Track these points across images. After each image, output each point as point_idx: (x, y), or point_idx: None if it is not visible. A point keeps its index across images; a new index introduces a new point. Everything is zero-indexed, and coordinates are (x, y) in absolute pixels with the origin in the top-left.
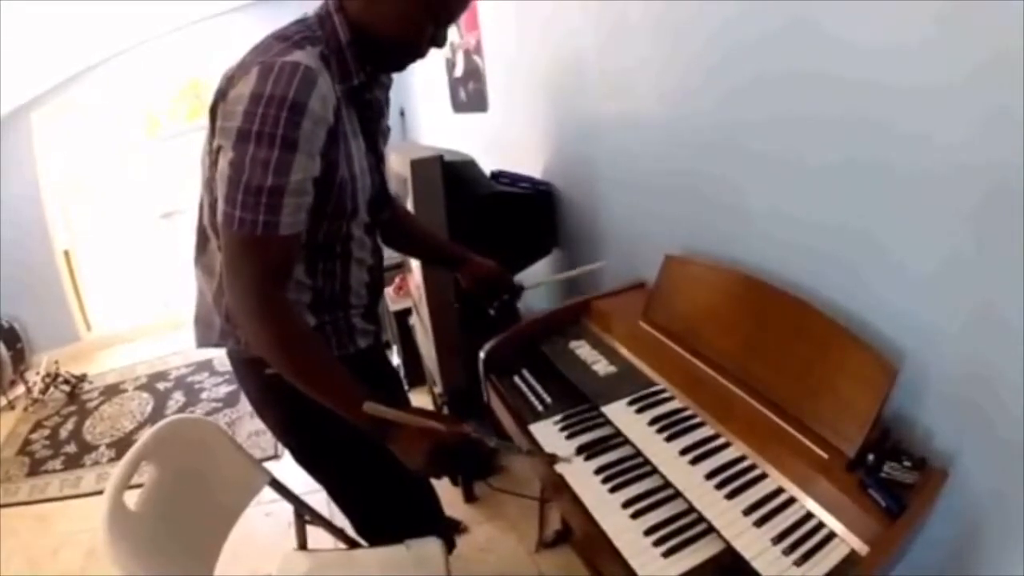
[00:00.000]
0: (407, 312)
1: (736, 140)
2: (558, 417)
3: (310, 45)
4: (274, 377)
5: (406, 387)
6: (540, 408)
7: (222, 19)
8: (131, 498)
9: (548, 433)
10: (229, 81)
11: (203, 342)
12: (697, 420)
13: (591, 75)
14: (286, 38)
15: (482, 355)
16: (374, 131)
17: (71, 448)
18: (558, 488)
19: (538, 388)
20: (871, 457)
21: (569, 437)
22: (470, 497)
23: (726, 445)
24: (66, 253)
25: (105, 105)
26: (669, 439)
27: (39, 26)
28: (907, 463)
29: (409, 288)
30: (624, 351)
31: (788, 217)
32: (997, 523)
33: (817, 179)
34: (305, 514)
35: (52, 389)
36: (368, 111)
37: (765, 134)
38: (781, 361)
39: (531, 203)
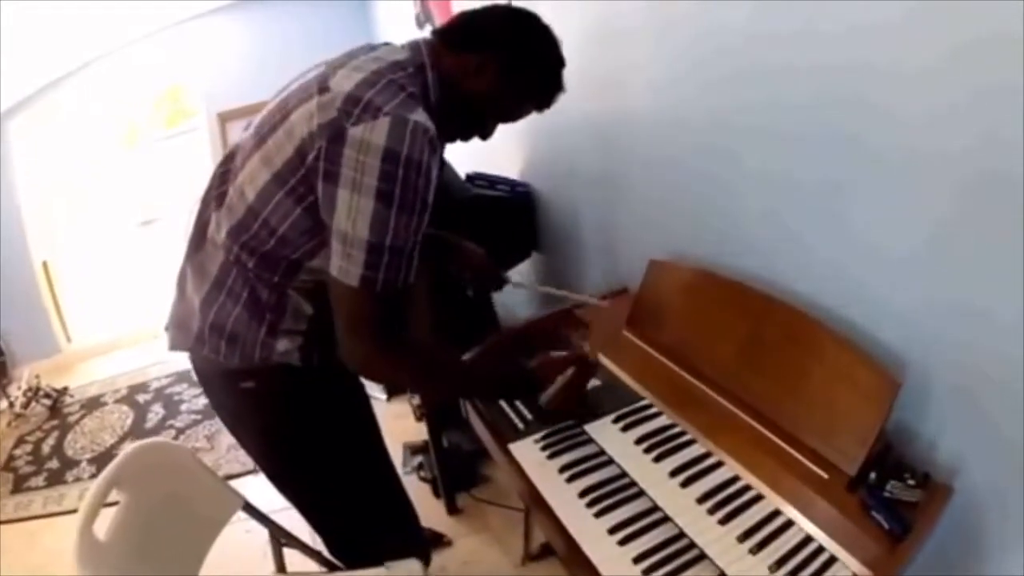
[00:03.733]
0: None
1: (725, 139)
2: (539, 435)
3: (415, 102)
4: (250, 392)
5: (384, 396)
6: (520, 426)
7: (201, 22)
8: (104, 522)
9: (528, 453)
10: (340, 115)
11: (176, 345)
12: (687, 438)
13: (571, 72)
14: (393, 81)
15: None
16: None
17: (54, 464)
18: (540, 512)
19: (519, 405)
20: (873, 475)
21: (551, 457)
22: (452, 509)
23: (718, 465)
24: (45, 264)
25: (82, 113)
26: (658, 459)
27: (13, 34)
28: (911, 481)
29: None
30: (608, 362)
31: (780, 221)
32: (998, 528)
33: (811, 182)
34: (281, 537)
35: (34, 403)
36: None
37: (757, 133)
38: (775, 373)
39: (509, 206)
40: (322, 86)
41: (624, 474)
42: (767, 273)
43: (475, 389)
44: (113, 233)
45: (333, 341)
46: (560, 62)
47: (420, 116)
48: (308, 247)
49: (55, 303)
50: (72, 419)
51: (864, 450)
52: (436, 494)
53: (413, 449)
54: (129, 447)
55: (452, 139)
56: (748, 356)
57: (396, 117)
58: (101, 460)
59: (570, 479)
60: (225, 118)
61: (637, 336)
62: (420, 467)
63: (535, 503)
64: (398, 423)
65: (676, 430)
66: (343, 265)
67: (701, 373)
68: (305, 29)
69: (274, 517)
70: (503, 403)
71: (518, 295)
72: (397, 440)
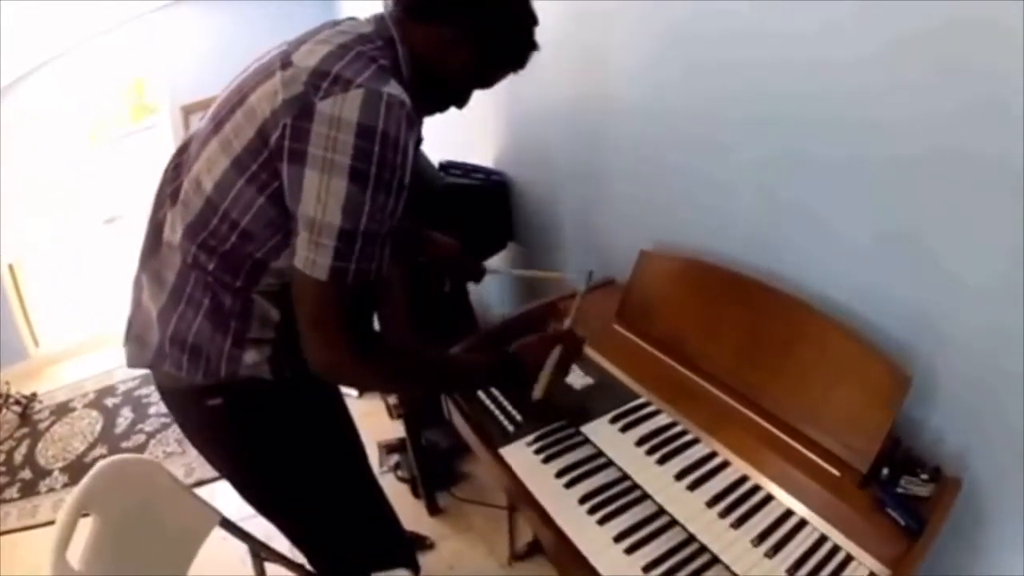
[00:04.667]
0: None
1: (717, 118)
2: (531, 438)
3: (388, 74)
4: (218, 410)
5: (355, 393)
6: (510, 428)
7: (164, 14)
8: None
9: (521, 458)
10: (307, 89)
11: (135, 361)
12: (689, 437)
13: (547, 53)
14: (363, 54)
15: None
16: None
17: (26, 474)
18: (538, 519)
19: (506, 403)
20: (886, 471)
21: (546, 461)
22: (434, 509)
23: (724, 465)
24: (10, 267)
25: (44, 111)
26: (661, 461)
27: None
28: (924, 476)
29: None
30: (599, 358)
31: (779, 206)
32: (998, 521)
33: (813, 163)
34: (261, 551)
35: (4, 411)
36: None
37: (752, 112)
38: (778, 367)
39: (484, 194)
40: (284, 62)
41: (625, 477)
42: (763, 263)
43: (457, 383)
44: (78, 232)
45: None
46: (531, 18)
47: (394, 89)
48: (273, 242)
49: (22, 307)
50: (42, 426)
51: (876, 446)
52: (415, 494)
53: (388, 448)
54: (97, 467)
55: (428, 113)
56: (748, 349)
57: (369, 90)
58: (73, 469)
59: (568, 484)
60: (188, 111)
61: (628, 329)
62: (397, 467)
63: (532, 510)
64: (370, 421)
65: (677, 429)
66: (310, 256)
67: (699, 367)
68: (270, 20)
69: (251, 522)
70: (490, 403)
71: (491, 288)
72: (371, 438)
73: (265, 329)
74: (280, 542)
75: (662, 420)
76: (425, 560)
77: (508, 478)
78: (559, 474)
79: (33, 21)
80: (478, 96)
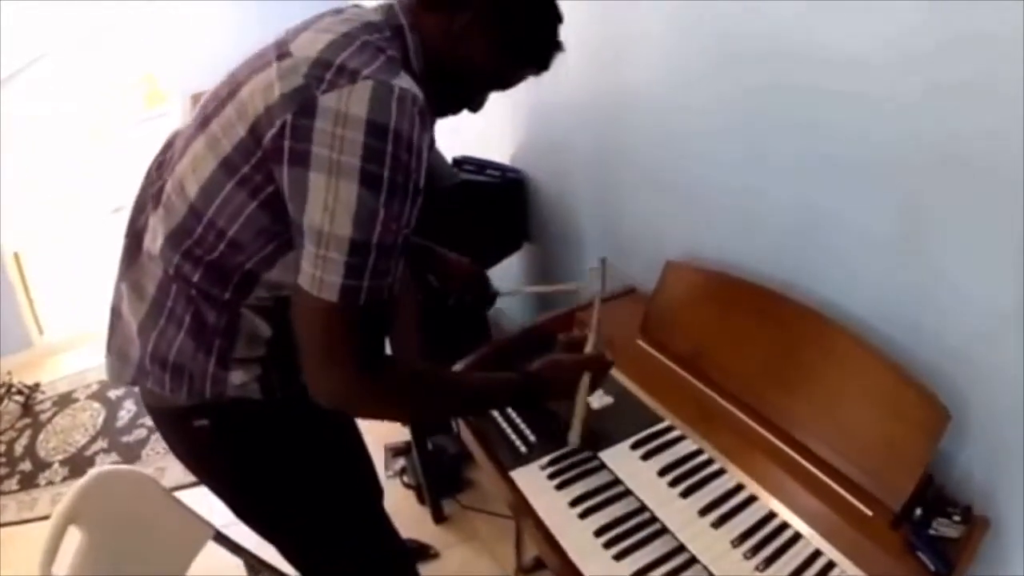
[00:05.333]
0: None
1: (750, 122)
2: (545, 461)
3: (398, 66)
4: (205, 431)
5: None
6: (523, 449)
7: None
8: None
9: (533, 482)
10: (307, 81)
11: (116, 378)
12: (715, 467)
13: (572, 49)
14: (369, 43)
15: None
16: None
17: (26, 466)
18: (550, 551)
19: (519, 423)
20: (919, 512)
21: (560, 487)
22: (439, 517)
23: (751, 500)
24: (16, 255)
25: (52, 99)
26: (685, 494)
27: None
28: (956, 517)
29: None
30: (620, 375)
31: (813, 217)
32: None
33: (852, 172)
34: (257, 566)
35: (6, 401)
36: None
37: (788, 114)
38: (810, 394)
39: (500, 193)
40: (281, 52)
41: (643, 507)
42: (794, 277)
43: (481, 406)
44: (84, 222)
45: (299, 366)
46: (555, 13)
47: (406, 82)
48: (265, 253)
49: (27, 295)
50: (44, 417)
51: (911, 484)
52: (421, 501)
53: (395, 451)
54: (86, 477)
55: (439, 114)
56: (779, 372)
57: (379, 82)
58: (73, 462)
59: (583, 514)
60: (198, 100)
61: (652, 345)
62: (403, 472)
63: (543, 540)
64: (377, 423)
65: (702, 458)
66: (316, 274)
67: (726, 389)
68: (283, 6)
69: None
70: (502, 421)
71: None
72: (377, 441)
73: (254, 347)
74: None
75: (686, 447)
76: (429, 570)
77: (518, 503)
78: (574, 503)
79: (40, 7)
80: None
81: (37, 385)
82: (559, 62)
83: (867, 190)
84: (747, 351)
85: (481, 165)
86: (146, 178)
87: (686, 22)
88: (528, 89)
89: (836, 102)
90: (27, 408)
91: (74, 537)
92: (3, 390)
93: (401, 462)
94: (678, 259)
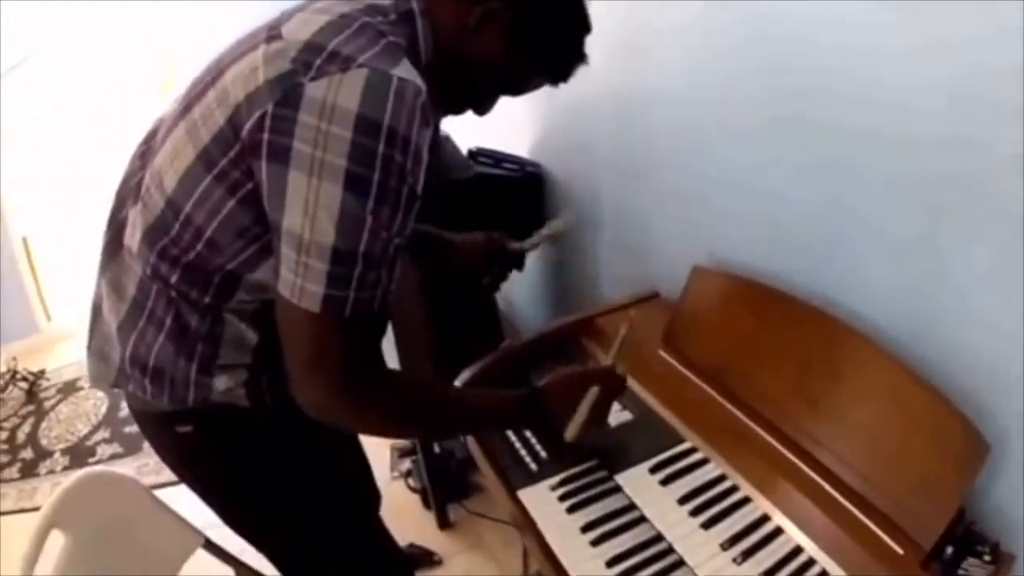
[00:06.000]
0: None
1: (778, 125)
2: (556, 481)
3: (400, 53)
4: (189, 437)
5: None
6: (533, 467)
7: None
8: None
9: (543, 503)
10: (294, 67)
11: (97, 378)
12: (740, 495)
13: (597, 44)
14: (369, 25)
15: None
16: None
17: (28, 454)
18: None
19: (529, 436)
20: (950, 551)
21: (571, 510)
22: (444, 522)
23: (777, 532)
24: (24, 240)
25: (64, 83)
26: (707, 525)
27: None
28: (987, 557)
29: None
30: (639, 390)
31: (850, 225)
32: None
33: (895, 182)
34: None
35: (11, 387)
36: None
37: (817, 120)
38: (844, 419)
39: (517, 187)
40: (272, 34)
41: (660, 537)
42: (828, 288)
43: (477, 425)
44: (96, 206)
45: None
46: (584, 25)
47: (407, 72)
48: (248, 254)
49: (35, 281)
50: (48, 404)
51: (945, 520)
52: (426, 505)
53: (401, 452)
54: (70, 480)
55: (444, 112)
56: (812, 395)
57: (374, 71)
58: (74, 452)
59: (595, 541)
60: None
61: (676, 357)
62: (408, 474)
63: (551, 568)
64: None
65: (726, 484)
66: (297, 282)
67: (754, 409)
68: None
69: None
70: (512, 436)
71: (520, 289)
72: (384, 441)
73: (241, 353)
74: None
75: (710, 472)
76: None
77: (526, 525)
78: (585, 528)
79: None
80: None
81: (42, 372)
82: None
83: (898, 197)
84: (780, 370)
85: (498, 158)
86: (128, 167)
87: (714, 23)
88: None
89: (867, 109)
90: (31, 395)
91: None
92: (8, 376)
93: (407, 463)
94: (707, 264)
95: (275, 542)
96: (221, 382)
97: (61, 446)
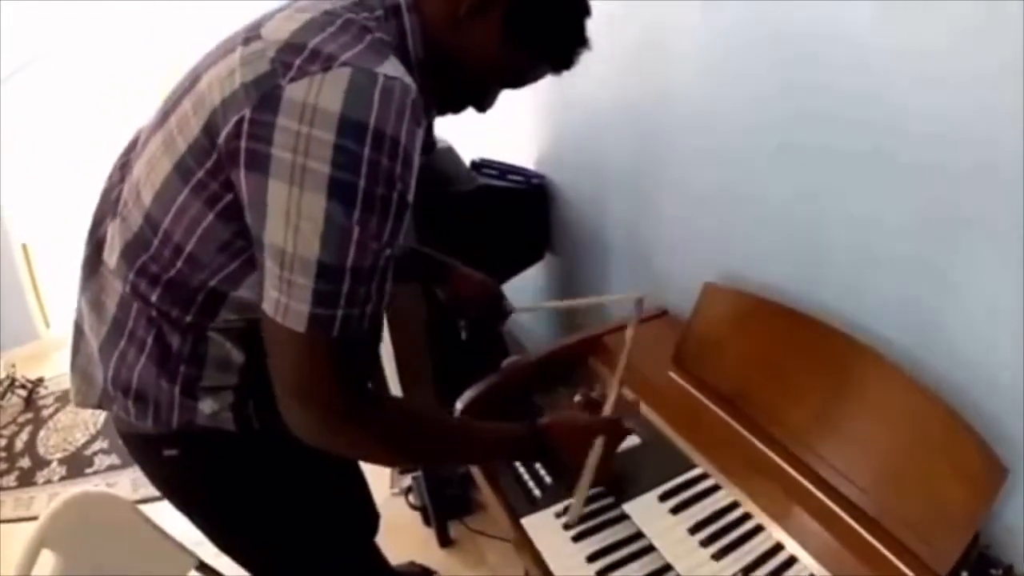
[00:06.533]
0: None
1: (806, 132)
2: (561, 508)
3: (387, 50)
4: (175, 461)
5: None
6: (537, 492)
7: None
8: None
9: (547, 532)
10: (273, 68)
11: (82, 401)
12: (753, 523)
13: (600, 43)
14: (353, 22)
15: (459, 407)
16: None
17: (25, 462)
18: None
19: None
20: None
21: (577, 539)
22: (444, 540)
23: (792, 562)
24: (24, 247)
25: (65, 89)
26: (718, 555)
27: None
28: None
29: None
30: (649, 412)
31: (873, 248)
32: None
33: (921, 203)
34: None
35: (9, 395)
36: (422, 157)
37: (849, 133)
38: (862, 444)
39: (522, 199)
40: (250, 35)
41: (669, 567)
42: (849, 310)
43: (474, 457)
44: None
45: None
46: (583, 7)
47: (395, 69)
48: (230, 270)
49: (35, 288)
50: (46, 413)
51: (960, 546)
52: (427, 522)
53: (402, 468)
54: (60, 499)
55: (440, 111)
56: (829, 418)
57: (358, 70)
58: (72, 461)
59: (602, 572)
60: None
61: (686, 379)
62: (409, 491)
63: None
64: None
65: (739, 512)
66: (281, 300)
67: (769, 435)
68: None
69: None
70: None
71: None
72: None
73: (226, 375)
74: None
75: (721, 500)
76: None
77: (530, 553)
78: (591, 558)
79: None
80: (522, 90)
81: (41, 380)
82: (591, 63)
83: (922, 215)
84: (795, 393)
85: (502, 169)
86: (108, 180)
87: (736, 40)
88: (558, 90)
89: (886, 129)
90: (29, 403)
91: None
92: (7, 383)
93: (408, 480)
94: (718, 281)
95: (265, 566)
96: (207, 405)
97: (59, 455)
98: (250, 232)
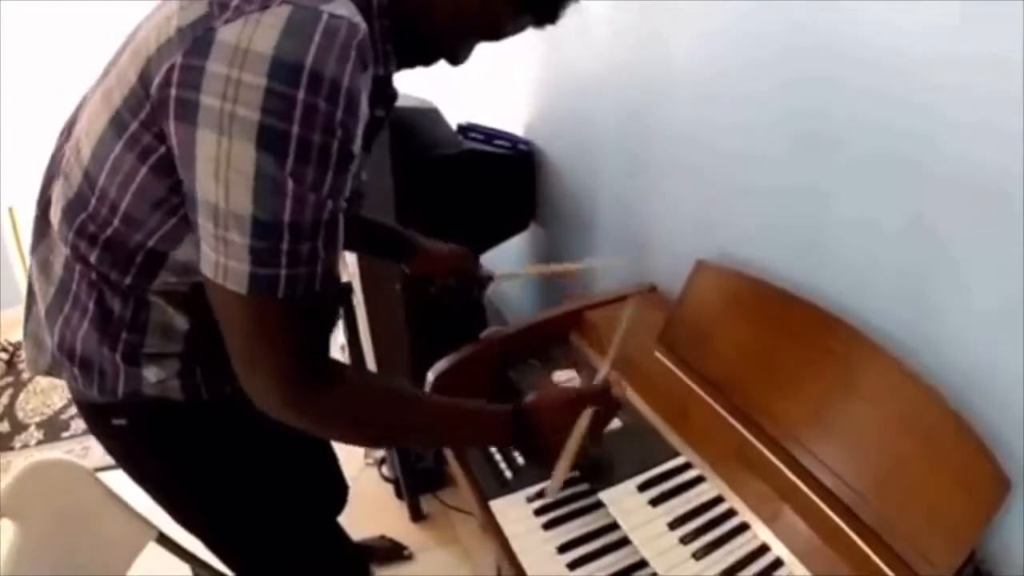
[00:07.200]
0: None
1: (796, 116)
2: (533, 492)
3: None
4: (124, 431)
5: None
6: (508, 474)
7: None
8: None
9: (517, 517)
10: (209, 10)
11: (32, 365)
12: (738, 520)
13: (605, 19)
14: None
15: (430, 378)
16: (371, 142)
17: (4, 427)
18: None
19: None
20: None
21: (548, 527)
22: (416, 515)
23: (777, 565)
24: (10, 210)
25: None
26: (699, 555)
27: None
28: None
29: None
30: (631, 394)
31: (879, 236)
32: None
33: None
34: (204, 573)
35: None
36: (381, 110)
37: (838, 111)
38: (860, 444)
39: (508, 165)
40: None
41: (645, 563)
42: (852, 301)
43: (448, 440)
44: None
45: (226, 362)
46: None
47: (343, 8)
48: (167, 229)
49: (20, 251)
50: (27, 376)
51: (958, 562)
52: (399, 495)
53: (367, 447)
54: (20, 468)
55: (408, 62)
56: (825, 413)
57: (300, 8)
58: (49, 425)
59: (573, 565)
60: None
61: (673, 360)
62: (383, 462)
63: None
64: None
65: (723, 507)
66: (220, 260)
67: (760, 426)
68: None
69: None
70: None
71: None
72: None
73: (168, 342)
74: None
75: (705, 493)
76: (401, 572)
77: (498, 539)
78: (562, 549)
79: None
80: (514, 52)
81: (22, 343)
82: (586, 26)
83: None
84: (790, 384)
85: (489, 134)
86: (58, 139)
87: (739, 10)
88: (551, 55)
89: (893, 104)
90: (11, 366)
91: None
92: None
93: (381, 452)
94: (712, 258)
95: (219, 541)
96: (151, 373)
97: (36, 419)
98: (182, 188)
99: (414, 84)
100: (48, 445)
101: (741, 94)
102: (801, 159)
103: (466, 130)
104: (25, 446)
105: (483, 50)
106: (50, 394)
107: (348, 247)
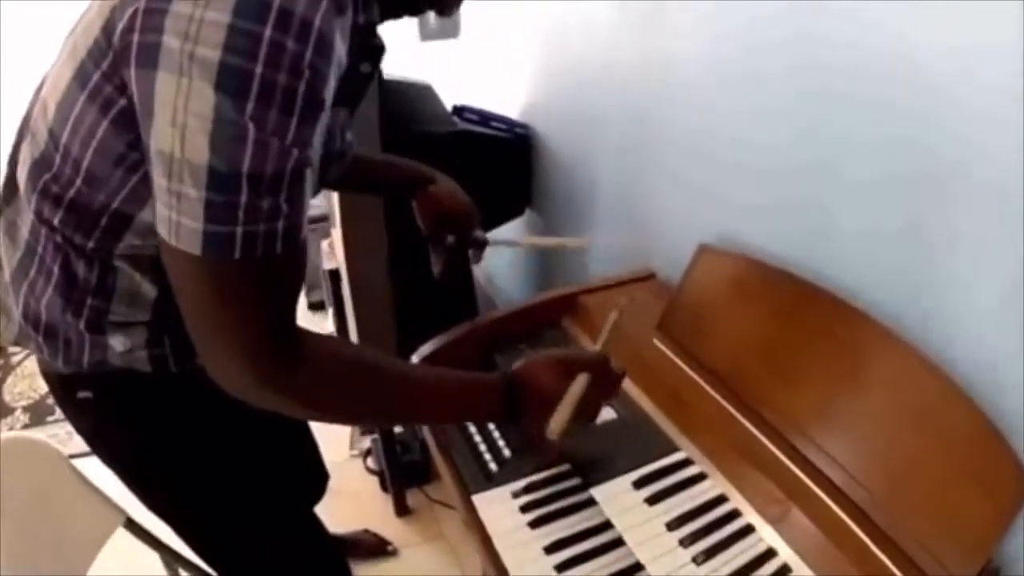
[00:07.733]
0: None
1: (802, 103)
2: (519, 486)
3: None
4: (89, 404)
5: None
6: (493, 466)
7: None
8: None
9: (501, 512)
10: None
11: (3, 336)
12: (743, 522)
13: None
14: None
15: (414, 361)
16: (356, 101)
17: None
18: None
19: (492, 430)
20: None
21: (535, 525)
22: (402, 509)
23: (785, 571)
24: None
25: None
26: (700, 559)
27: None
28: None
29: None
30: (628, 384)
31: (891, 225)
32: None
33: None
34: (175, 563)
35: None
36: (367, 65)
37: (844, 100)
38: (874, 442)
39: (504, 148)
40: None
41: (640, 566)
42: (862, 291)
43: (432, 412)
44: None
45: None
46: None
47: None
48: (130, 188)
49: None
50: (16, 359)
51: (976, 568)
52: (384, 488)
53: (364, 428)
54: None
55: (392, 11)
56: (837, 408)
57: None
58: (35, 409)
59: (561, 567)
60: None
61: (672, 348)
62: (368, 453)
63: None
64: None
65: (726, 508)
66: (173, 217)
67: (765, 420)
68: None
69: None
70: (471, 426)
71: (501, 260)
72: None
73: (135, 310)
74: None
75: (706, 491)
76: (384, 569)
77: (480, 537)
78: (550, 549)
79: None
80: (513, 33)
81: None
82: (588, 9)
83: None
84: (799, 375)
85: (484, 116)
86: (32, 99)
87: None
88: (551, 38)
89: (895, 88)
90: (0, 348)
91: None
92: None
93: (368, 442)
94: (715, 243)
95: (188, 523)
96: (118, 342)
97: (23, 403)
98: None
99: (411, 67)
100: (34, 429)
101: (745, 76)
102: (806, 142)
103: (461, 111)
104: (11, 430)
105: (482, 34)
106: (36, 378)
107: (348, 185)
